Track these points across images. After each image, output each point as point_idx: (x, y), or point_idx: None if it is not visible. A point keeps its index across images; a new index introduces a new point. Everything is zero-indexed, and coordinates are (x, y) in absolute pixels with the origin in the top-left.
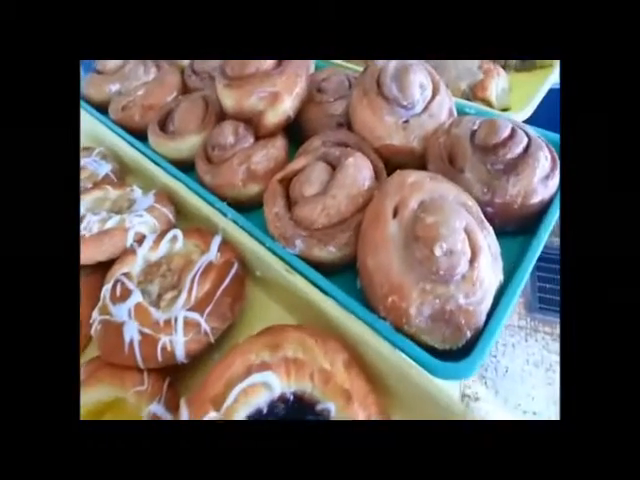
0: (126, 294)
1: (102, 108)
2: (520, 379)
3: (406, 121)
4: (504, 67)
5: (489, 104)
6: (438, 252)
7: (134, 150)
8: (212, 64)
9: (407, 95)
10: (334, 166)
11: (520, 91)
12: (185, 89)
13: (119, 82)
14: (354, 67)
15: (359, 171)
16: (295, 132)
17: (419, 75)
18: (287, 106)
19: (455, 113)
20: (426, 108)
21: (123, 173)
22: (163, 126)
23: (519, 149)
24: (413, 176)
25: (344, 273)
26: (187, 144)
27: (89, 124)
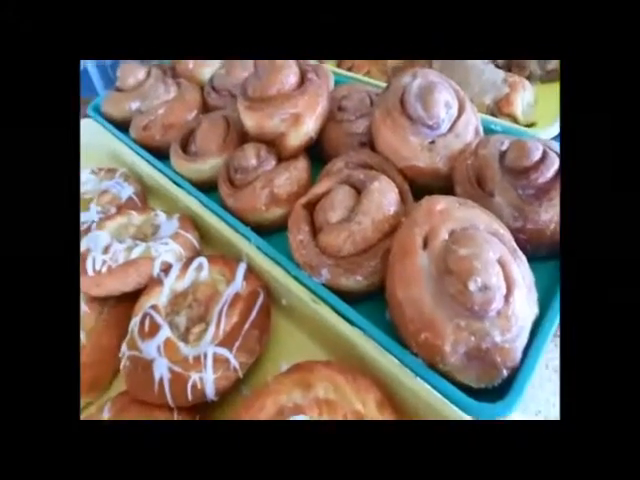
0: (155, 329)
1: (123, 126)
2: (539, 385)
3: (432, 142)
4: (529, 78)
5: (515, 120)
6: (473, 287)
7: (156, 171)
8: (232, 81)
9: (432, 115)
10: (359, 189)
11: (546, 104)
12: (205, 107)
13: (139, 100)
14: (374, 82)
15: (384, 196)
16: (317, 151)
17: (444, 94)
18: (309, 127)
19: (481, 132)
20: (452, 128)
21: (145, 195)
22: (185, 146)
23: (551, 173)
24: (442, 203)
25: (372, 301)
26: (208, 165)
27: (110, 143)
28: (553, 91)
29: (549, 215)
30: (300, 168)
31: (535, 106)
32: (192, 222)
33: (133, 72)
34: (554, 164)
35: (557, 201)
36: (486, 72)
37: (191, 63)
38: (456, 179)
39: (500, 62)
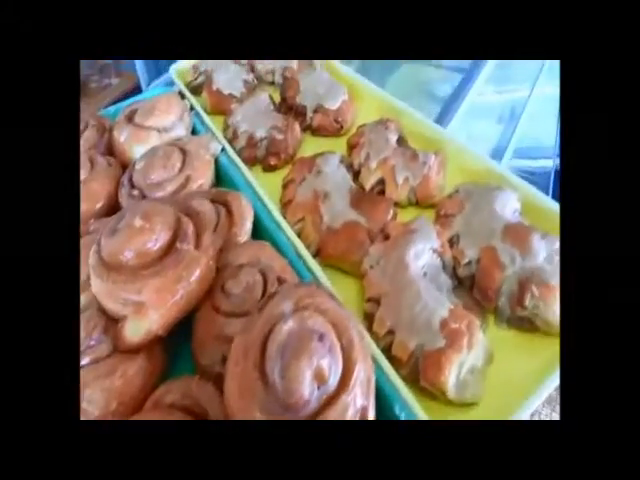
0: None
1: None
2: None
3: None
4: (495, 312)
5: (441, 391)
6: None
7: None
8: (150, 179)
9: (290, 392)
10: None
11: (504, 361)
12: (117, 199)
13: None
14: (299, 247)
15: None
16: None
17: (316, 360)
18: (153, 323)
19: (370, 417)
20: (321, 413)
21: None
22: None
23: None
24: None
25: None
26: None
27: None
28: (522, 347)
29: None
30: (130, 375)
31: (486, 369)
32: None
33: None
34: None
35: None
36: (424, 300)
37: (123, 135)
38: None
39: (463, 274)
